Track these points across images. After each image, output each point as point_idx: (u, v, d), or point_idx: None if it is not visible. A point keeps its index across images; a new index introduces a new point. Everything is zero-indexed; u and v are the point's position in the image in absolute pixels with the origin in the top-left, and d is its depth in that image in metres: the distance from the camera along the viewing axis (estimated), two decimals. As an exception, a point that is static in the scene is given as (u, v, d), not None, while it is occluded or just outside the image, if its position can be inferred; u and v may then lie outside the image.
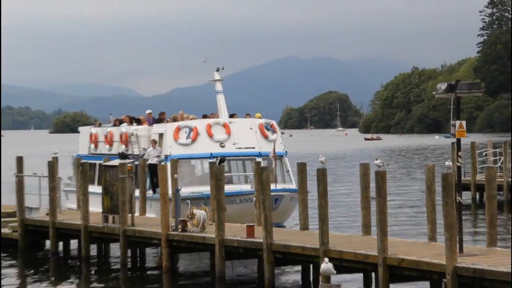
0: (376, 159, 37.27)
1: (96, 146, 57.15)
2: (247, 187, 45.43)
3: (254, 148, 50.41)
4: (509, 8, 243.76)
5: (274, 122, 55.70)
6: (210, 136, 51.58)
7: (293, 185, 45.65)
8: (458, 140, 37.41)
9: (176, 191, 40.51)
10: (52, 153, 49.69)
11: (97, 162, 51.52)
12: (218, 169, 40.12)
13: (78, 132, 67.79)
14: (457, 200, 31.05)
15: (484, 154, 71.96)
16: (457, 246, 28.64)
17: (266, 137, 52.36)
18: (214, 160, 44.86)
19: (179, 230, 38.90)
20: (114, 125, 59.32)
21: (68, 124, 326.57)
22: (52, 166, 46.34)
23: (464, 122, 41.94)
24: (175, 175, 43.03)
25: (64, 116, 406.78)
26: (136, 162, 49.48)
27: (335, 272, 28.77)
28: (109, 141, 56.34)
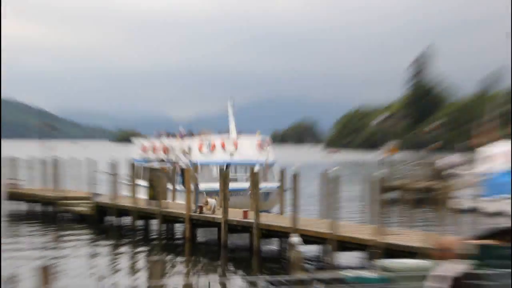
0: (334, 168, 37.70)
1: (145, 153, 57.42)
2: (247, 185, 45.54)
3: (251, 159, 50.70)
4: (429, 65, 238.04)
5: (268, 138, 56.18)
6: (223, 147, 52.34)
7: (273, 184, 46.37)
8: (388, 156, 37.66)
9: (196, 186, 41.35)
10: (111, 159, 50.17)
11: (145, 164, 51.97)
12: (225, 172, 41.05)
13: (131, 142, 68.34)
14: (385, 197, 31.67)
15: (407, 165, 71.98)
16: (384, 228, 29.45)
17: (262, 150, 52.97)
18: (223, 166, 45.47)
19: (197, 212, 39.68)
20: (157, 138, 59.94)
21: (124, 137, 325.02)
22: (113, 166, 47.08)
23: (394, 143, 42.20)
24: (196, 174, 43.67)
25: (122, 131, 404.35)
26: (169, 165, 50.38)
27: (301, 244, 29.20)
28: (154, 150, 56.90)
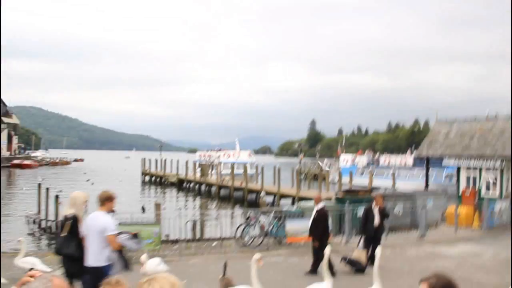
0: (277, 165, 37.35)
1: (201, 157, 56.27)
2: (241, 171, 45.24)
3: (246, 160, 49.61)
4: (315, 124, 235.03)
5: (252, 152, 56.28)
6: (233, 156, 51.58)
7: (253, 171, 46.24)
8: (301, 160, 36.91)
9: (220, 171, 40.65)
10: (185, 160, 49.73)
11: (200, 162, 51.29)
12: (232, 165, 40.23)
13: (195, 153, 68.14)
14: (299, 177, 31.27)
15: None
16: (299, 189, 28.88)
17: (250, 157, 52.34)
18: (233, 164, 44.90)
19: (221, 182, 39.04)
20: (206, 151, 59.24)
21: (191, 151, 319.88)
22: (186, 163, 46.30)
23: (303, 154, 41.38)
24: (221, 167, 43.10)
25: (190, 149, 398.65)
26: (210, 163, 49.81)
27: (265, 195, 28.75)
28: (204, 156, 55.36)
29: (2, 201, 20.97)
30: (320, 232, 9.51)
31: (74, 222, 6.08)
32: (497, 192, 16.73)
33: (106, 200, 5.91)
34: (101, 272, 5.59)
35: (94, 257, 5.75)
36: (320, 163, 67.09)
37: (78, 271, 5.94)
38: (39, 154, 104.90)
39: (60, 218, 7.18)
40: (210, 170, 46.48)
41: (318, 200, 10.14)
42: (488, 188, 17.19)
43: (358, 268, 9.47)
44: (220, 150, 56.63)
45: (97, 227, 5.72)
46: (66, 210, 6.34)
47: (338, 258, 9.81)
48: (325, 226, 9.64)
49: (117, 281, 2.15)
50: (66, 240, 6.09)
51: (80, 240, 5.95)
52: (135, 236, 6.67)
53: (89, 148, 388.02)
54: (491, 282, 8.79)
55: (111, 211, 5.98)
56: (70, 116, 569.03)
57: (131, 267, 6.07)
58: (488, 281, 8.86)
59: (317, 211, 9.81)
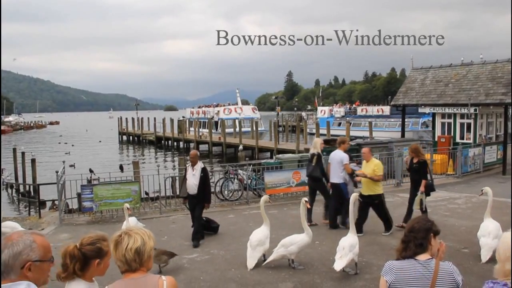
0: (259, 117, 36.99)
1: (192, 114, 53.38)
2: (249, 129, 41.70)
3: (250, 115, 45.46)
4: (292, 75, 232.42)
5: (256, 107, 51.76)
6: (235, 111, 46.91)
7: (262, 127, 42.05)
8: (278, 113, 36.64)
9: (222, 129, 37.47)
10: (162, 118, 48.05)
11: (180, 119, 49.57)
12: (234, 122, 39.82)
13: (176, 110, 66.33)
14: (277, 129, 31.17)
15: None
16: (277, 142, 28.78)
17: (254, 111, 47.80)
18: (235, 120, 42.18)
19: (199, 138, 38.61)
20: (198, 108, 52.97)
21: (168, 109, 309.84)
22: (163, 120, 45.59)
23: (280, 107, 41.01)
24: (219, 124, 41.03)
25: (167, 106, 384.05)
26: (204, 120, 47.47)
27: (242, 149, 28.61)
28: (197, 113, 50.74)
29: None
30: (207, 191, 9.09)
31: (318, 157, 9.51)
32: (471, 138, 17.01)
33: (342, 143, 9.38)
34: (339, 187, 9.06)
35: (336, 177, 9.08)
36: (303, 113, 67.19)
37: (321, 188, 9.61)
38: (12, 118, 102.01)
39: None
40: (188, 127, 45.24)
41: (195, 159, 9.08)
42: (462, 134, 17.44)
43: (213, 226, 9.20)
44: (217, 105, 51.10)
45: (338, 159, 9.05)
46: (311, 150, 9.81)
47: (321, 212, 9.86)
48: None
49: (101, 237, 2.31)
50: (315, 168, 9.48)
51: (322, 167, 9.57)
52: (359, 163, 10.32)
53: (63, 110, 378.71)
54: (464, 225, 9.07)
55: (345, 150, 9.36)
56: (42, 78, 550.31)
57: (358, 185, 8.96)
58: (461, 225, 9.15)
59: (202, 169, 8.96)
